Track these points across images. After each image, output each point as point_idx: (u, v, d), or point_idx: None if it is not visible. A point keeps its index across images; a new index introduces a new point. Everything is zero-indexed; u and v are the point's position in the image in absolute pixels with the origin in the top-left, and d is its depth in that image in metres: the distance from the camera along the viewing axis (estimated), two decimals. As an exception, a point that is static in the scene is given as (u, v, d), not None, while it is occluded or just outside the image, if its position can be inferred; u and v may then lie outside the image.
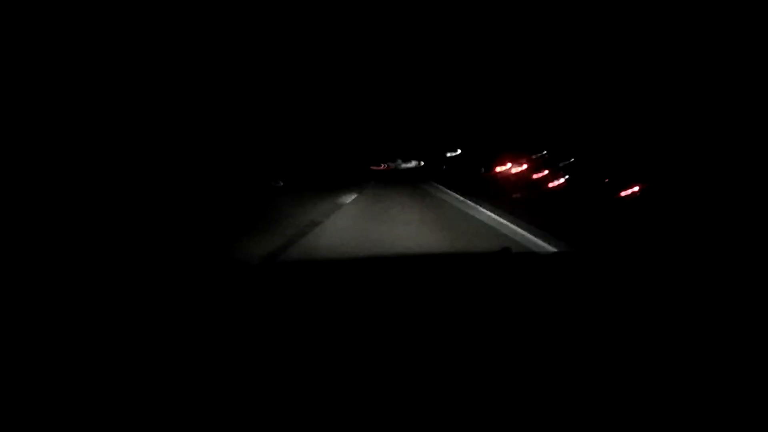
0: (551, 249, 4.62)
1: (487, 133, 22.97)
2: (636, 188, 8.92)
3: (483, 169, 18.64)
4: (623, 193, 9.08)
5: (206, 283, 1.37)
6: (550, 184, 13.31)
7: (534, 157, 16.46)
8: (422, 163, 37.98)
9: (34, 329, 0.96)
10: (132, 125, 10.56)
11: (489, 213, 7.73)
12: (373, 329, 0.96)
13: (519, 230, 5.92)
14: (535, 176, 14.40)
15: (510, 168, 16.37)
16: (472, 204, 9.19)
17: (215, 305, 1.12)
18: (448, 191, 12.91)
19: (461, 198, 10.63)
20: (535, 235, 5.31)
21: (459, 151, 29.91)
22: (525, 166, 16.07)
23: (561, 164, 14.86)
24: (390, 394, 0.70)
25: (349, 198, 10.96)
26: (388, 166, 36.43)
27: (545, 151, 16.56)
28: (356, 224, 7.02)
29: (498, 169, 16.94)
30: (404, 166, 38.26)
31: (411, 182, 18.14)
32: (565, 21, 16.39)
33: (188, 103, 12.87)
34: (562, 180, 13.42)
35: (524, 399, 0.70)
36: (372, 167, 32.08)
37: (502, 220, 6.90)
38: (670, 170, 8.94)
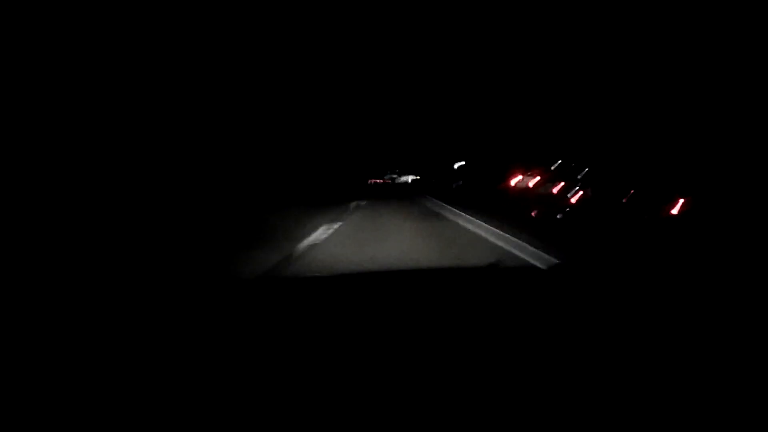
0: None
1: (493, 142, 21.59)
2: (681, 202, 7.46)
3: (492, 184, 17.27)
4: (672, 210, 7.57)
5: (202, 298, 1.37)
6: (572, 199, 11.85)
7: (547, 168, 15.05)
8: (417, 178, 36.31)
9: (34, 332, 1.01)
10: (128, 130, 10.58)
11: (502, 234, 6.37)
12: (369, 343, 0.96)
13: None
14: (554, 190, 12.92)
15: (522, 181, 14.95)
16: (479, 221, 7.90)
17: (211, 320, 1.11)
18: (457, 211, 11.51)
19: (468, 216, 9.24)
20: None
21: (463, 163, 28.48)
22: (538, 179, 14.67)
23: (579, 176, 13.48)
24: (386, 407, 0.71)
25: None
26: (382, 180, 35.18)
27: (559, 161, 15.16)
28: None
29: (511, 182, 15.49)
30: (401, 179, 36.82)
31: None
32: (571, 16, 15.20)
33: (184, 110, 12.71)
34: (581, 194, 12.02)
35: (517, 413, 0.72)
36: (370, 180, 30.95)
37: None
38: (722, 176, 7.49)
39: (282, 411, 0.68)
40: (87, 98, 9.54)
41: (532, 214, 11.27)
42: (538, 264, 4.67)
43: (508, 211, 10.83)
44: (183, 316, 1.14)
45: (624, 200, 10.59)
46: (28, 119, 7.95)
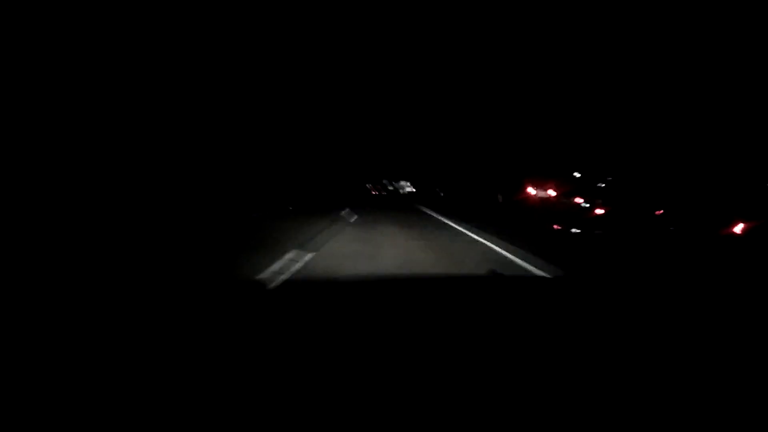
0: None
1: (504, 153, 20.75)
2: (740, 226, 6.51)
3: (501, 197, 16.38)
4: (734, 228, 6.56)
5: (204, 303, 1.38)
6: (597, 211, 10.95)
7: (564, 180, 14.18)
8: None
9: (34, 334, 1.03)
10: (121, 130, 10.49)
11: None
12: (370, 348, 0.95)
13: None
14: (576, 202, 12.02)
15: (539, 194, 14.01)
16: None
17: (213, 326, 1.10)
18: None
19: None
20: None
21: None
22: (553, 193, 13.78)
23: (598, 189, 12.66)
24: (388, 411, 0.69)
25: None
26: (376, 188, 34.05)
27: (576, 173, 14.31)
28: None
29: (528, 193, 14.54)
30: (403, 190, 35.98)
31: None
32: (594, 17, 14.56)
33: (175, 110, 12.64)
34: (601, 210, 11.22)
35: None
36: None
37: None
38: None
39: (284, 415, 0.67)
40: (86, 98, 9.37)
41: (555, 227, 10.44)
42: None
43: (530, 225, 9.84)
44: (184, 320, 1.12)
45: (657, 213, 9.76)
46: (25, 119, 7.88)
